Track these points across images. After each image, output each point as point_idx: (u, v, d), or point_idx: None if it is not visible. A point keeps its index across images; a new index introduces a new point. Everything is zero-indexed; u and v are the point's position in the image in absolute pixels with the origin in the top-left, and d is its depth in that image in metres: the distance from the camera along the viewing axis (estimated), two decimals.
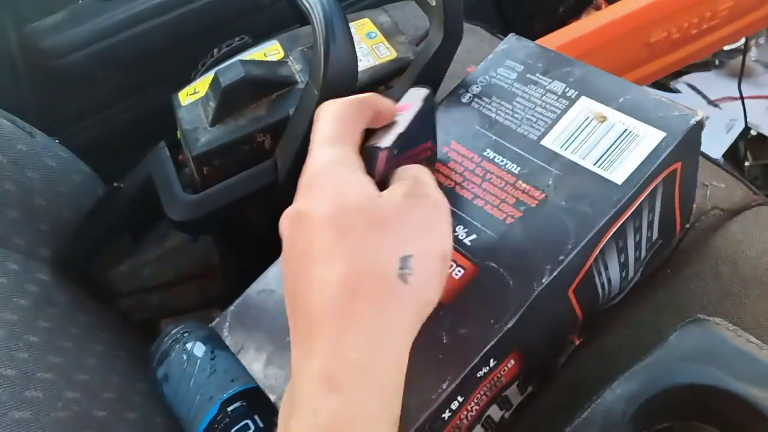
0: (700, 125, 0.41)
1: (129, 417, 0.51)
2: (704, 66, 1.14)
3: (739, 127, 1.04)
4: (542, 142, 0.42)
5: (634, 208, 0.39)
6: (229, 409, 0.49)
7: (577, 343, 0.46)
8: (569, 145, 0.41)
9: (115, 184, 0.59)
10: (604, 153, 0.40)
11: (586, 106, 0.42)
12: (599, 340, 0.48)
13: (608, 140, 0.40)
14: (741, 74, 1.01)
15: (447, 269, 0.26)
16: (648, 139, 0.39)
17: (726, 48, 1.09)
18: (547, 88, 0.44)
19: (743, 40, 1.03)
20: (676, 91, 1.12)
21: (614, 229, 0.38)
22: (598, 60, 0.45)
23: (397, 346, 0.23)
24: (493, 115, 0.44)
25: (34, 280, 0.56)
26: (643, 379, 0.36)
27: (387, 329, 0.23)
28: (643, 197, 0.39)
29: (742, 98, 1.01)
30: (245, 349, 0.42)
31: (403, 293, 0.23)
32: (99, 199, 0.61)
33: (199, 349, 0.54)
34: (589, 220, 0.37)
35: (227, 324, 0.43)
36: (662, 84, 1.11)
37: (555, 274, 0.36)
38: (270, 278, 0.44)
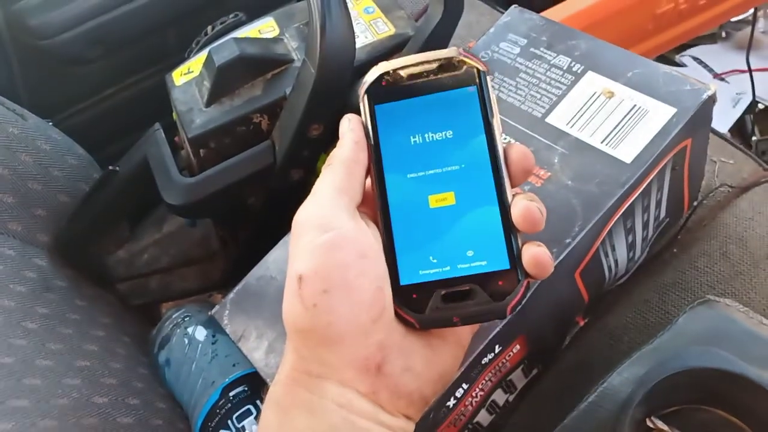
0: (712, 100, 0.39)
1: (131, 403, 0.51)
2: (710, 38, 1.11)
3: (746, 101, 1.02)
4: (547, 120, 0.40)
5: (643, 188, 0.38)
6: (231, 394, 0.49)
7: (582, 324, 0.45)
8: (575, 123, 0.39)
9: (111, 168, 0.57)
10: (612, 130, 0.38)
11: (593, 81, 0.41)
12: (604, 320, 0.47)
13: (616, 117, 0.39)
14: (749, 46, 0.99)
15: (309, 288, 0.25)
16: (658, 115, 0.38)
17: (733, 19, 1.07)
18: (551, 62, 0.43)
19: (752, 11, 1.00)
20: (682, 64, 1.09)
21: (623, 209, 0.37)
22: (602, 33, 0.43)
23: (282, 374, 0.27)
24: (496, 92, 0.43)
25: (32, 266, 0.56)
26: (651, 362, 0.35)
27: (282, 360, 0.28)
28: (652, 176, 0.38)
29: (750, 71, 0.98)
30: (246, 337, 0.41)
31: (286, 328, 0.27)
32: (95, 183, 0.59)
33: (200, 333, 0.54)
34: (597, 200, 0.36)
35: (227, 312, 0.43)
36: (667, 58, 1.08)
37: (561, 257, 0.35)
38: (270, 264, 0.43)
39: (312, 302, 0.25)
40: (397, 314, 0.26)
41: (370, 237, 0.26)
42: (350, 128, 0.28)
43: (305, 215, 0.27)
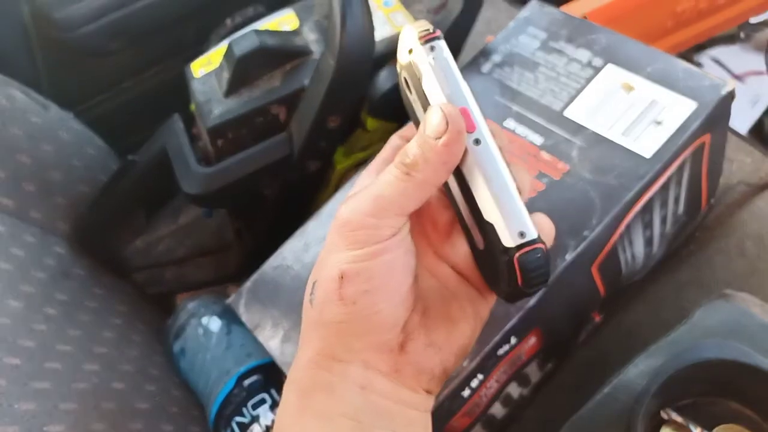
0: (731, 96, 0.39)
1: (147, 389, 0.51)
2: (729, 39, 1.10)
3: (765, 102, 1.01)
4: (566, 113, 0.40)
5: (662, 182, 0.38)
6: (246, 383, 0.49)
7: (598, 319, 0.45)
8: (594, 116, 0.39)
9: (130, 157, 0.58)
10: (631, 124, 0.38)
11: (612, 75, 0.41)
12: (620, 317, 0.47)
13: (635, 111, 0.39)
14: None
15: (351, 288, 0.25)
16: (677, 109, 0.38)
17: (752, 21, 1.06)
18: (571, 56, 0.43)
19: None
20: (700, 65, 1.09)
21: (641, 204, 0.37)
22: (621, 30, 0.43)
23: (304, 358, 0.27)
24: (515, 86, 0.43)
25: (51, 254, 0.57)
26: (668, 354, 0.35)
27: (303, 344, 0.28)
28: (671, 170, 0.38)
29: None
30: (261, 326, 0.41)
31: (309, 314, 0.27)
32: (114, 174, 0.60)
33: (215, 323, 0.55)
34: (616, 194, 0.36)
35: (243, 301, 0.43)
36: (685, 57, 1.07)
37: (579, 249, 0.35)
38: (286, 254, 0.44)
39: (352, 300, 0.25)
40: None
41: (411, 231, 0.27)
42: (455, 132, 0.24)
43: (356, 215, 0.25)
